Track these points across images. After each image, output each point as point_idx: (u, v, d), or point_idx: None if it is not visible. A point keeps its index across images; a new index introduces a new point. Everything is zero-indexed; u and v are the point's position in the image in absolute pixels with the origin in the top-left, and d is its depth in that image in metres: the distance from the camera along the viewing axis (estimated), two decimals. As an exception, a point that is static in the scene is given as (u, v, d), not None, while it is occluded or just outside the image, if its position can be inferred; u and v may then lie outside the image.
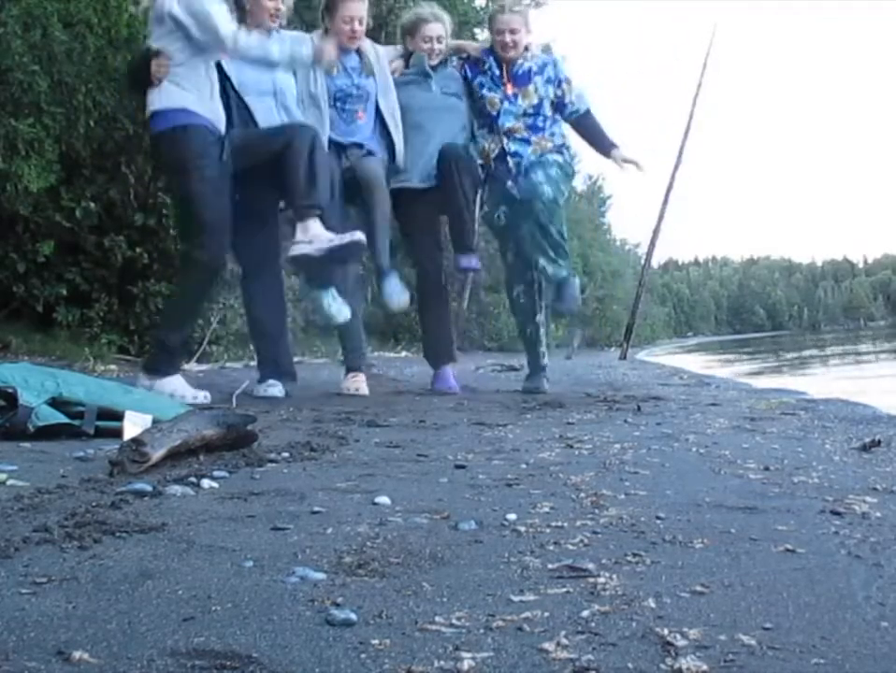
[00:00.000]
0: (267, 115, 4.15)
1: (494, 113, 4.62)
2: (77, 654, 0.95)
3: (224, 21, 3.85)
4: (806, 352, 18.32)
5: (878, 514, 1.69)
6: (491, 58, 4.67)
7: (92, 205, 7.75)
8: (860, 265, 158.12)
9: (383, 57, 4.59)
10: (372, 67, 4.50)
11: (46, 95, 6.95)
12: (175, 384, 3.91)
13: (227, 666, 0.94)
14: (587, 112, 4.80)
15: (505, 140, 4.60)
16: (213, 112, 3.91)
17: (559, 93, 4.70)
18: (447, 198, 4.49)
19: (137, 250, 8.11)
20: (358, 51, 4.51)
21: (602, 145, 4.83)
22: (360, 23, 4.44)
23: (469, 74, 4.68)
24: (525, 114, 4.62)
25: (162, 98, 3.88)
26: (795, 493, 1.92)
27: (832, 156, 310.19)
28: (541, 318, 4.88)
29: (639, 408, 3.77)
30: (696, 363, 14.31)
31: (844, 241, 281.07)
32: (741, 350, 23.96)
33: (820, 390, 5.61)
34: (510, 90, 4.61)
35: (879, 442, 2.58)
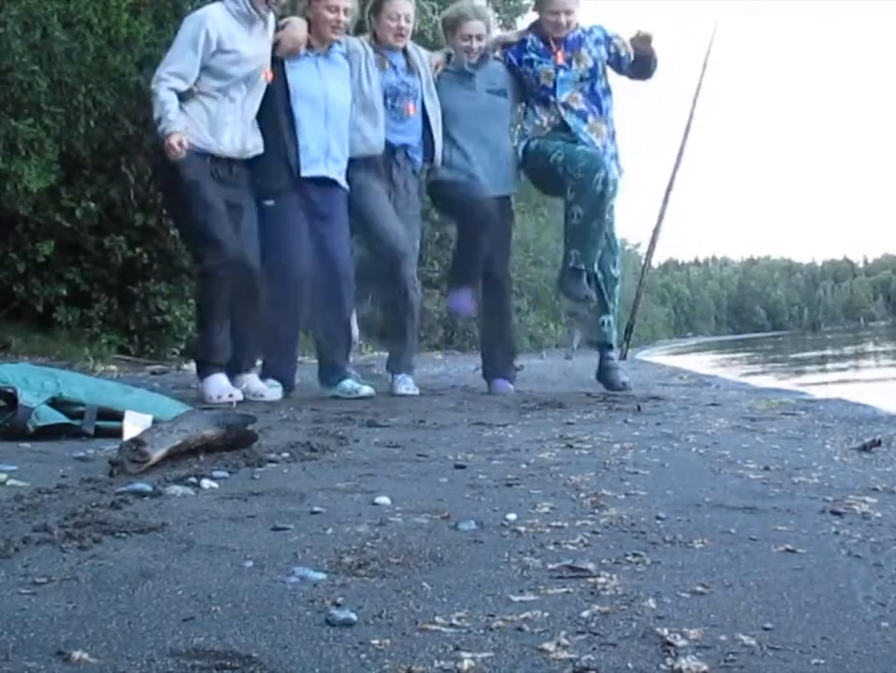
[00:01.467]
0: (311, 124, 4.17)
1: (550, 85, 4.57)
2: (77, 654, 0.95)
3: (171, 65, 3.88)
4: (809, 353, 18.31)
5: (878, 514, 1.69)
6: (531, 34, 4.65)
7: (92, 205, 7.76)
8: (860, 265, 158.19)
9: (426, 58, 4.60)
10: (418, 66, 4.52)
11: (46, 95, 6.95)
12: (209, 387, 3.95)
13: (227, 666, 0.94)
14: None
15: (563, 111, 4.55)
16: (209, 145, 3.94)
17: (612, 49, 4.65)
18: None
19: (137, 250, 8.12)
20: (404, 51, 4.52)
21: (639, 57, 4.70)
22: (407, 21, 4.45)
23: (514, 58, 4.64)
24: (581, 79, 4.58)
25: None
26: (795, 493, 1.92)
27: (833, 156, 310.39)
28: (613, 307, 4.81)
29: (639, 408, 3.77)
30: (698, 364, 14.28)
31: (844, 241, 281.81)
32: (744, 351, 23.93)
33: (820, 390, 5.61)
34: (560, 59, 4.57)
35: (879, 442, 2.58)
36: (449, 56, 4.67)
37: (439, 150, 4.54)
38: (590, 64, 4.58)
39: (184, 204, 4.03)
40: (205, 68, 3.91)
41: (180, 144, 3.79)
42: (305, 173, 4.15)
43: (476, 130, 4.59)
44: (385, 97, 4.41)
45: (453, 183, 4.60)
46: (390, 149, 4.42)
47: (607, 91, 4.68)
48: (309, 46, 4.23)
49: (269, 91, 4.13)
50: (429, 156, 4.57)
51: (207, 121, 3.94)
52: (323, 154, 4.21)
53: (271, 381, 4.26)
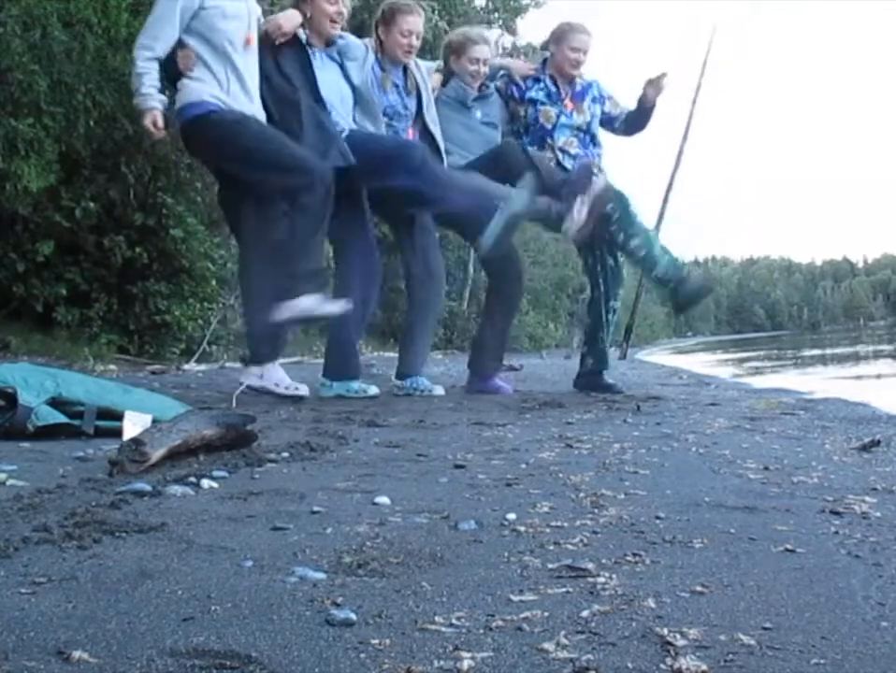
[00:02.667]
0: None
1: (549, 126, 4.64)
2: (76, 654, 0.95)
3: (150, 28, 3.79)
4: (810, 352, 18.32)
5: (878, 514, 1.69)
6: (544, 75, 4.71)
7: (91, 205, 7.75)
8: (860, 265, 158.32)
9: (426, 72, 4.59)
10: (417, 84, 4.50)
11: (45, 95, 6.95)
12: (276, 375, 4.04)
13: (227, 666, 0.94)
14: (629, 111, 4.83)
15: (560, 155, 4.62)
16: (240, 106, 3.86)
17: (605, 108, 4.77)
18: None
19: (137, 249, 8.12)
20: (404, 68, 4.50)
21: (643, 105, 4.78)
22: (417, 38, 4.43)
23: (517, 92, 4.70)
24: (578, 129, 4.67)
25: (182, 95, 3.89)
26: (795, 492, 1.92)
27: (832, 156, 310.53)
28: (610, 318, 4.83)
29: (638, 408, 3.77)
30: (700, 364, 14.27)
31: (843, 241, 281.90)
32: (747, 350, 23.92)
33: (820, 389, 5.60)
34: (570, 106, 4.66)
35: (879, 442, 2.58)
36: (446, 79, 4.67)
37: (444, 158, 4.52)
38: (588, 118, 4.70)
39: (242, 143, 3.83)
40: (193, 31, 3.82)
41: (154, 124, 3.69)
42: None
43: (467, 159, 4.57)
44: (384, 116, 4.37)
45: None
46: None
47: (598, 144, 4.78)
48: (309, 44, 4.16)
49: (289, 88, 4.05)
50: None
51: (217, 86, 3.84)
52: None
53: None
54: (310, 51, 4.18)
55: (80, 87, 7.27)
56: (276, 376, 4.12)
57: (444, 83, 4.70)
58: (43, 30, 6.88)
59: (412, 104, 4.49)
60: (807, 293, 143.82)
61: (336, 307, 3.93)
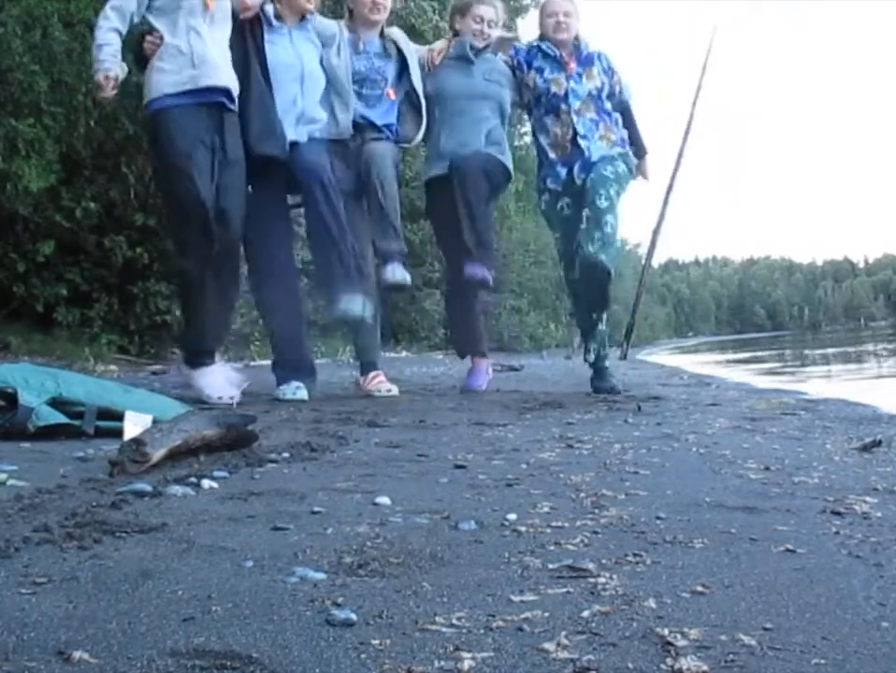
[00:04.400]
0: (288, 100, 4.09)
1: (561, 94, 4.58)
2: (77, 654, 0.95)
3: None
4: (812, 352, 18.32)
5: (879, 514, 1.69)
6: (546, 42, 4.67)
7: (92, 205, 7.76)
8: (861, 265, 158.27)
9: (412, 47, 4.55)
10: (393, 50, 4.45)
11: (46, 95, 6.96)
12: (205, 380, 3.90)
13: (227, 666, 0.94)
14: (628, 107, 4.80)
15: (575, 118, 4.55)
16: (196, 77, 3.80)
17: (611, 83, 4.70)
18: (456, 209, 4.43)
19: (137, 250, 8.12)
20: (382, 35, 4.45)
21: (634, 144, 4.77)
22: None
23: (524, 61, 4.66)
24: (590, 95, 4.61)
25: (147, 89, 3.88)
26: (795, 493, 1.92)
27: (833, 156, 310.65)
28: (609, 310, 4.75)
29: (639, 408, 3.77)
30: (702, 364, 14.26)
31: (844, 241, 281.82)
32: (749, 350, 23.92)
33: (820, 390, 5.60)
34: (572, 68, 4.59)
35: (880, 442, 2.58)
36: (451, 40, 4.63)
37: (421, 130, 4.49)
38: (598, 84, 4.63)
39: (160, 161, 3.90)
40: (154, 10, 3.78)
41: (106, 78, 3.68)
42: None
43: (464, 109, 4.53)
44: (353, 83, 4.32)
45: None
46: (357, 128, 4.33)
47: (613, 108, 4.70)
48: (278, 17, 4.13)
49: (246, 63, 4.01)
50: (423, 138, 4.54)
51: (185, 59, 3.78)
52: (294, 121, 4.10)
53: (295, 383, 4.11)
54: (284, 29, 4.13)
55: (81, 87, 7.27)
56: (205, 382, 3.92)
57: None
58: (44, 30, 6.89)
59: (388, 69, 4.43)
60: (808, 294, 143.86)
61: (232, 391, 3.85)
